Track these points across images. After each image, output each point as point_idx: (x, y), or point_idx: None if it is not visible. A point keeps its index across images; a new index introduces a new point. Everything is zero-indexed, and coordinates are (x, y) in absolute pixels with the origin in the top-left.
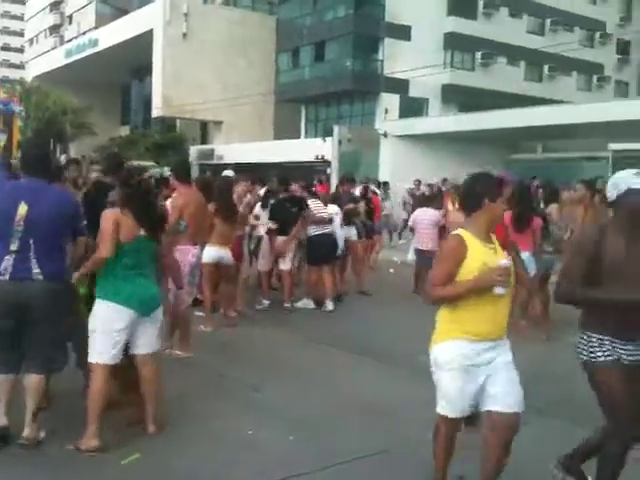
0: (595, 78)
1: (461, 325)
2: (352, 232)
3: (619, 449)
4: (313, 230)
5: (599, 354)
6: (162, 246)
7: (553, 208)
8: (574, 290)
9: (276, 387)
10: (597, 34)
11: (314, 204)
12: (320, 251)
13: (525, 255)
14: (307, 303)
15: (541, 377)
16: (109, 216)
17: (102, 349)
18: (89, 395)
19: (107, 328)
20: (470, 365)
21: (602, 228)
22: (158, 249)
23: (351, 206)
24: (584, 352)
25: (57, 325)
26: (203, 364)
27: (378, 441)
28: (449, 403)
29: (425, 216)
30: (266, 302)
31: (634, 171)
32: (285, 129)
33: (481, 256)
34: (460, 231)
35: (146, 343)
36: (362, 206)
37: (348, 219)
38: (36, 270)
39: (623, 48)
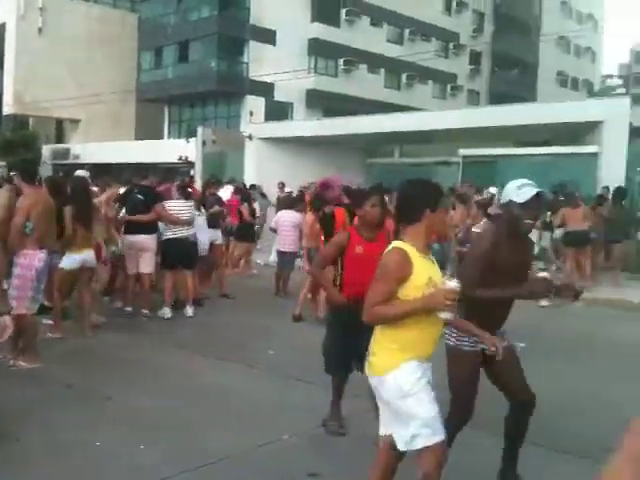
0: (449, 87)
1: (409, 346)
2: (217, 235)
3: (454, 430)
4: (169, 233)
5: (465, 343)
6: None
7: None
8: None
9: (130, 395)
10: (451, 45)
11: (174, 204)
12: (174, 255)
13: None
14: (165, 312)
15: None
16: None
17: None
18: None
19: None
20: (427, 383)
21: (492, 236)
22: None
23: (217, 208)
24: (452, 338)
25: None
26: (50, 375)
27: (233, 445)
28: (430, 427)
29: (287, 218)
30: (128, 309)
31: (519, 182)
32: (147, 129)
33: (426, 271)
34: (401, 244)
35: None
36: (245, 208)
37: (214, 222)
38: None
39: (475, 59)
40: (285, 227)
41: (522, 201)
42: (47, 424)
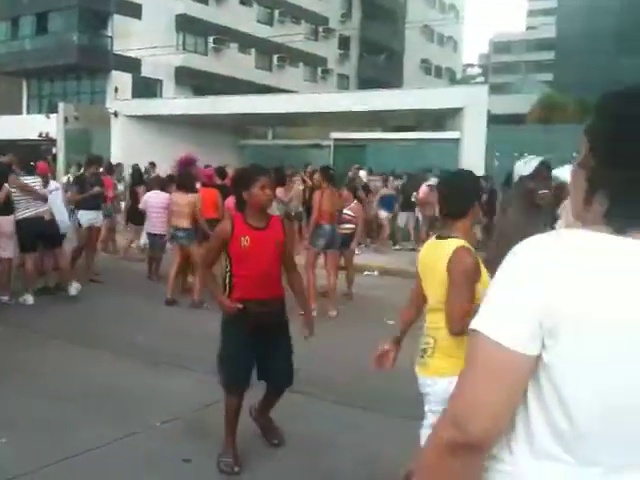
0: (319, 70)
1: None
2: (98, 217)
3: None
4: (20, 213)
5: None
6: None
7: (279, 191)
8: None
9: None
10: (321, 28)
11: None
12: (31, 235)
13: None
14: (27, 298)
15: None
16: None
17: None
18: None
19: None
20: None
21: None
22: None
23: (97, 189)
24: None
25: None
26: None
27: (100, 436)
28: None
29: (157, 199)
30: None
31: (525, 159)
32: (4, 104)
33: (484, 270)
34: (464, 242)
35: None
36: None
37: (95, 203)
38: None
39: (344, 43)
40: (154, 209)
41: (530, 171)
42: None
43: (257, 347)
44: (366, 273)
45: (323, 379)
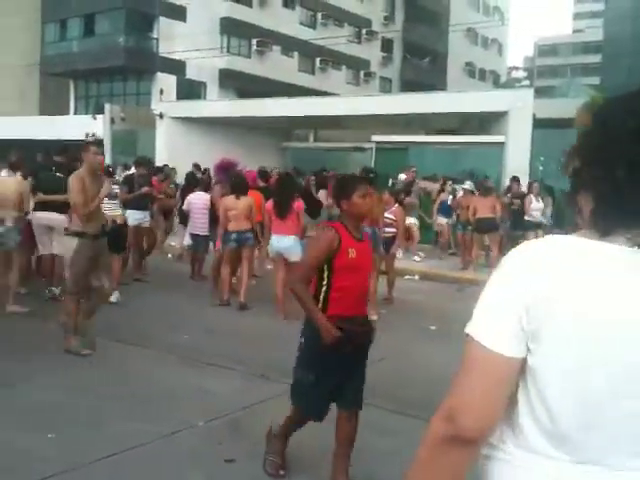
0: (362, 73)
1: None
2: (146, 217)
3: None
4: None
5: None
6: None
7: (322, 193)
8: None
9: (37, 383)
10: (364, 31)
11: None
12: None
13: (291, 239)
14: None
15: None
16: None
17: None
18: None
19: None
20: None
21: None
22: None
23: (146, 189)
24: None
25: None
26: None
27: (145, 433)
28: None
29: (200, 200)
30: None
31: None
32: (53, 104)
33: None
34: None
35: None
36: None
37: (143, 203)
38: None
39: (387, 46)
40: (198, 210)
41: None
42: None
43: (342, 368)
44: (407, 277)
45: None
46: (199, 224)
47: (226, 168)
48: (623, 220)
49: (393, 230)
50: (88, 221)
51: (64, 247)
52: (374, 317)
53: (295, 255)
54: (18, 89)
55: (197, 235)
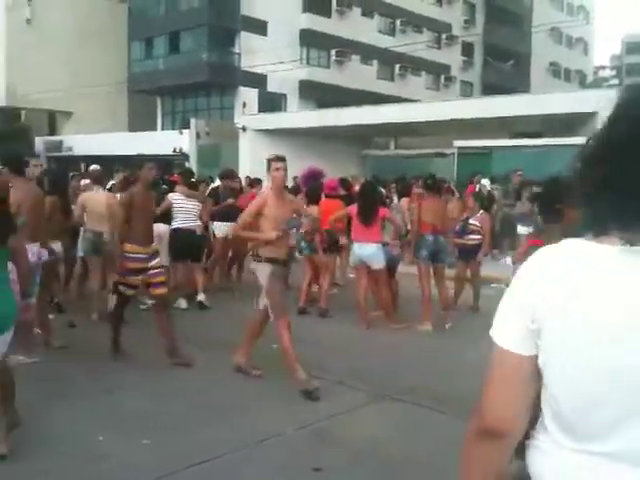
0: (442, 78)
1: None
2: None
3: None
4: (179, 223)
5: None
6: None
7: (404, 201)
8: None
9: (130, 389)
10: (444, 36)
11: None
12: (182, 246)
13: (373, 246)
14: (180, 303)
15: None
16: None
17: None
18: None
19: None
20: None
21: None
22: (9, 254)
23: (231, 201)
24: None
25: None
26: (53, 368)
27: (235, 440)
28: None
29: None
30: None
31: None
32: (140, 121)
33: None
34: None
35: None
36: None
37: (228, 215)
38: None
39: (468, 50)
40: None
41: None
42: (49, 418)
43: None
44: (493, 285)
45: (443, 393)
46: None
47: (312, 177)
48: (617, 220)
49: (478, 237)
50: (277, 247)
51: (259, 274)
52: (447, 324)
53: (378, 262)
54: (108, 107)
55: None
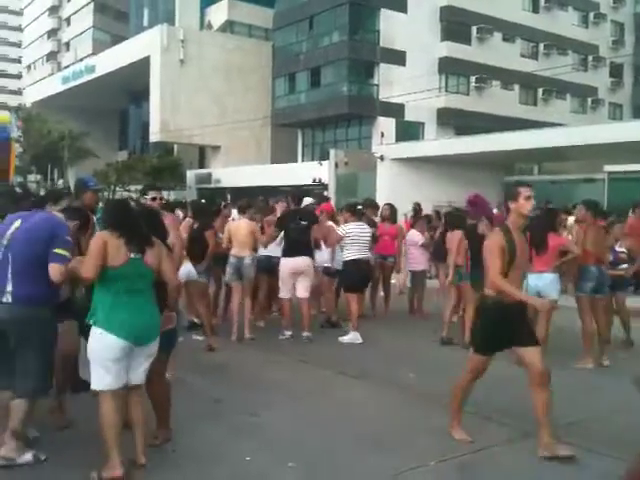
0: (589, 101)
1: None
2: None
3: None
4: (349, 254)
5: None
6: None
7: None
8: None
9: (274, 413)
10: (590, 57)
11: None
12: (358, 277)
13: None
14: (355, 337)
15: None
16: (97, 237)
17: (97, 376)
18: (100, 424)
19: (98, 356)
20: None
21: None
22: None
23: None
24: None
25: (34, 352)
26: (200, 388)
27: (376, 469)
28: None
29: (417, 237)
30: (288, 332)
31: None
32: (282, 153)
33: None
34: None
35: (133, 373)
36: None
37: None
38: (9, 289)
39: (616, 71)
40: (414, 246)
41: None
42: (198, 436)
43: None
44: None
45: (598, 432)
46: (415, 259)
47: (475, 204)
48: None
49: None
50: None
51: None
52: (605, 362)
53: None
54: (253, 141)
55: (416, 272)
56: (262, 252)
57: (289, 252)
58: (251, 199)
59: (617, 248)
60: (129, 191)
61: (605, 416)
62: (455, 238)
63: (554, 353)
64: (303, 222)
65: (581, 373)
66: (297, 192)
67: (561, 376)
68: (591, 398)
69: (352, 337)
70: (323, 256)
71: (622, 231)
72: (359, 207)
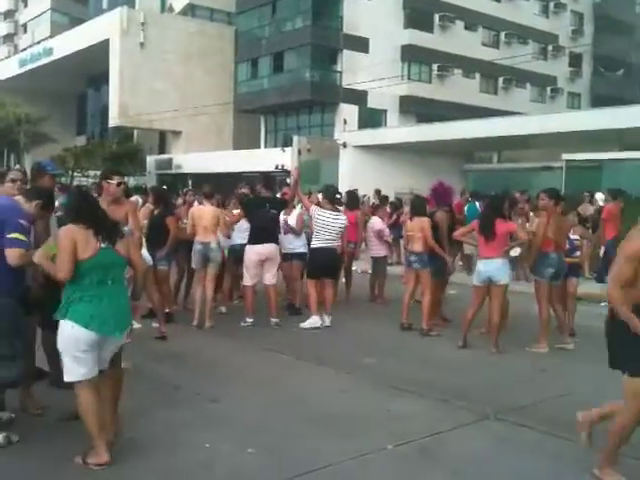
0: (548, 90)
1: None
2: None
3: None
4: (317, 242)
5: None
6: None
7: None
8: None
9: (234, 399)
10: (550, 47)
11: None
12: (319, 265)
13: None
14: (314, 321)
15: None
16: (65, 232)
17: (70, 368)
18: (80, 413)
19: (71, 349)
20: None
21: None
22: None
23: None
24: None
25: None
26: (159, 375)
27: (334, 453)
28: None
29: (374, 224)
30: (249, 319)
31: None
32: (245, 139)
33: None
34: None
35: (102, 361)
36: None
37: None
38: None
39: (575, 61)
40: (374, 233)
41: None
42: (158, 424)
43: None
44: (603, 304)
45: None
46: (376, 247)
47: (438, 192)
48: None
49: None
50: None
51: None
52: (569, 346)
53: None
54: (215, 126)
55: (377, 258)
56: (237, 240)
57: (255, 239)
58: (225, 186)
59: (571, 236)
60: (87, 177)
61: (559, 398)
62: (422, 224)
63: (510, 337)
64: (273, 210)
65: (536, 356)
66: (267, 178)
67: (516, 360)
68: (545, 381)
69: (312, 321)
70: (295, 242)
71: (575, 219)
72: (337, 196)
